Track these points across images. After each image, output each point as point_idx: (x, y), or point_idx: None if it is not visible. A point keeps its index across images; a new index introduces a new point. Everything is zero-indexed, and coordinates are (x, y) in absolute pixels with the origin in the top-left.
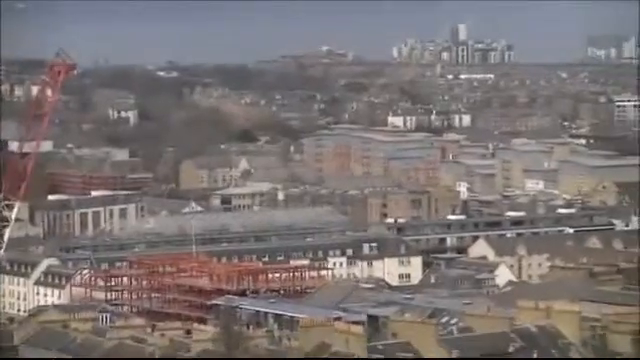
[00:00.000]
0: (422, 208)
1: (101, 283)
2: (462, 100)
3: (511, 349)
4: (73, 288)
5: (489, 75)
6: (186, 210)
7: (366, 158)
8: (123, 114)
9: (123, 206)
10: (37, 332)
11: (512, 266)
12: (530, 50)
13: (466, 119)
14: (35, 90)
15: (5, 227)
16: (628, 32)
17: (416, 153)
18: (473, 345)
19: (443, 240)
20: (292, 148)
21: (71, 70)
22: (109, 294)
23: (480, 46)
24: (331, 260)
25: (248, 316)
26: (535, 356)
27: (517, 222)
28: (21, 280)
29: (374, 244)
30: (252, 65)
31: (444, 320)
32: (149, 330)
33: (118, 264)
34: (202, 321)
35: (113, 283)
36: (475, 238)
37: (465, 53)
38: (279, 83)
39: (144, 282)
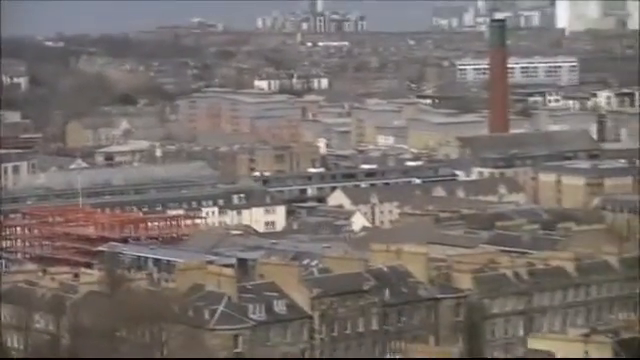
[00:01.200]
0: (285, 162)
1: None
2: (320, 65)
3: (365, 287)
4: None
5: (344, 43)
6: (73, 166)
7: (235, 118)
8: (15, 80)
9: (16, 163)
10: None
11: (366, 213)
12: (381, 20)
13: (324, 82)
14: None
15: None
16: (468, 4)
17: (279, 113)
18: (331, 284)
19: (304, 191)
20: (168, 109)
21: None
22: (4, 242)
23: (336, 17)
24: (204, 210)
25: (130, 261)
26: (387, 292)
27: (370, 174)
28: None
29: (242, 195)
30: (132, 35)
31: (306, 262)
32: (41, 274)
33: (12, 215)
34: (88, 266)
35: (7, 232)
36: (333, 189)
37: (322, 23)
38: (156, 51)
39: (35, 231)
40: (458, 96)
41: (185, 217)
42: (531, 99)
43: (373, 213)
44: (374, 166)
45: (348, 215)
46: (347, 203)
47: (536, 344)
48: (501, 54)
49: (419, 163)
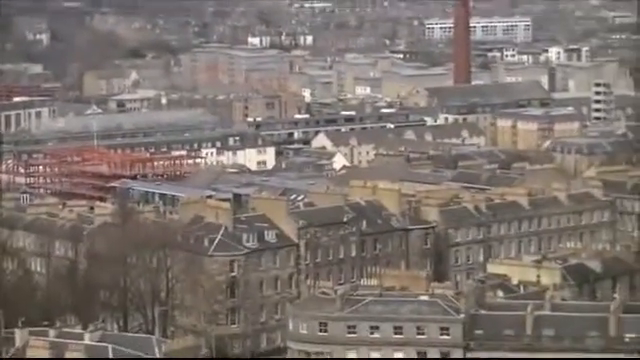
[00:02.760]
0: (275, 109)
1: (22, 170)
2: (306, 24)
3: (345, 219)
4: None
5: (327, 4)
6: (88, 112)
7: (230, 70)
8: (37, 36)
9: (38, 109)
10: None
11: (346, 154)
12: None
13: (309, 39)
14: None
15: None
16: None
17: (270, 66)
18: (315, 216)
19: (291, 134)
20: (172, 62)
21: None
22: (28, 179)
23: None
24: (203, 151)
25: (139, 195)
26: (364, 223)
27: (349, 119)
28: None
29: (237, 138)
30: None
31: (293, 197)
32: (60, 207)
33: (35, 155)
34: (102, 200)
35: (31, 170)
36: (317, 132)
37: None
38: (162, 11)
39: (55, 169)
40: (426, 51)
41: (187, 157)
42: (490, 54)
43: (352, 154)
44: (353, 113)
45: (330, 156)
46: (329, 145)
47: (494, 269)
48: (464, 14)
49: (392, 110)
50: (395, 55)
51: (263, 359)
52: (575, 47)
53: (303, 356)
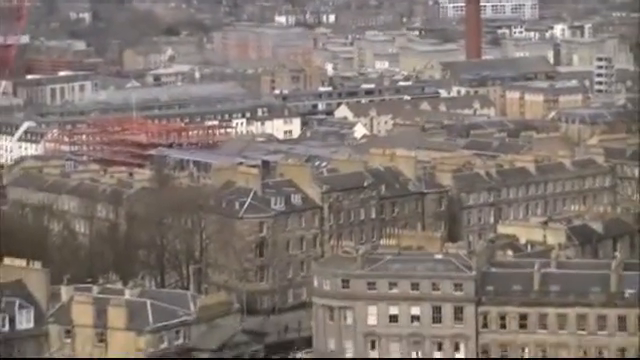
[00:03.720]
0: (300, 82)
1: (66, 139)
2: (328, 3)
3: (365, 184)
4: (46, 143)
5: None
6: (128, 85)
7: (259, 46)
8: (80, 15)
9: (81, 83)
10: (20, 175)
11: (366, 124)
12: None
13: (332, 17)
14: None
15: None
16: None
17: (295, 42)
18: (338, 181)
19: (315, 106)
20: (205, 40)
21: None
22: (72, 147)
23: None
24: (234, 121)
25: (174, 162)
26: (383, 188)
27: (369, 92)
28: (7, 137)
29: (265, 109)
30: None
31: (317, 164)
32: (102, 173)
33: (79, 125)
34: (141, 166)
35: (75, 139)
36: (339, 104)
37: None
38: None
39: (98, 138)
40: (440, 29)
41: (219, 127)
42: (499, 31)
43: (371, 124)
44: (372, 85)
45: (351, 125)
46: (350, 116)
47: (504, 230)
48: None
49: (409, 83)
50: (411, 32)
51: None
52: (579, 24)
53: (327, 310)
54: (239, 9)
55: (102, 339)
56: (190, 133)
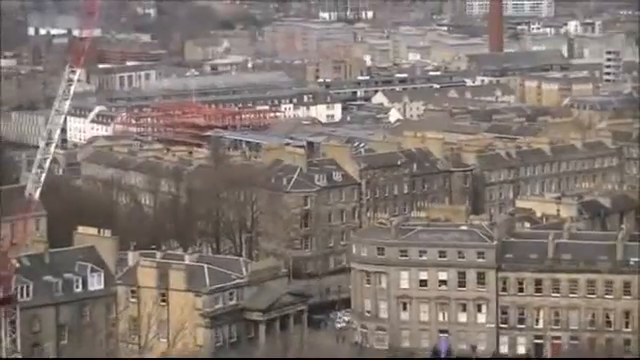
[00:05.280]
0: (341, 72)
1: (133, 121)
2: (367, 1)
3: (399, 162)
4: (115, 125)
5: None
6: (188, 74)
7: (305, 39)
8: (146, 11)
9: (147, 72)
10: (92, 153)
11: (399, 109)
12: None
13: (370, 14)
14: None
15: (70, 85)
16: None
17: (337, 36)
18: (374, 160)
19: (355, 93)
20: (257, 33)
21: None
22: (139, 128)
23: None
24: (282, 106)
25: (229, 142)
26: (414, 166)
27: (403, 80)
28: (81, 120)
29: (310, 95)
30: None
31: (355, 144)
32: (165, 152)
33: (144, 109)
34: (199, 146)
35: (141, 121)
36: (375, 91)
37: None
38: None
39: (161, 121)
40: (466, 25)
41: (269, 111)
42: (519, 27)
43: (404, 109)
44: (405, 75)
45: (386, 110)
46: (386, 102)
47: (522, 204)
48: None
49: (438, 73)
50: (441, 28)
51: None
52: (590, 21)
53: (364, 275)
54: (287, 5)
55: (164, 299)
56: (243, 116)
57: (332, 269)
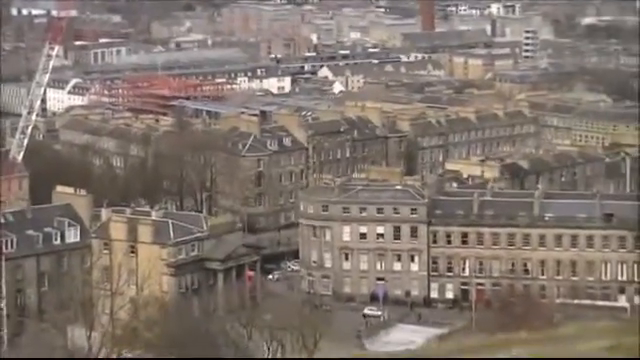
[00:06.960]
0: (290, 49)
1: (106, 92)
2: None
3: (341, 129)
4: (90, 95)
5: None
6: (155, 50)
7: (258, 20)
8: None
9: (118, 48)
10: (69, 121)
11: (342, 82)
12: None
13: None
14: None
15: (49, 60)
16: None
17: (287, 17)
18: (320, 127)
19: (303, 67)
20: (215, 14)
21: None
22: (111, 99)
23: None
24: (238, 79)
25: (191, 111)
26: (355, 132)
27: (345, 56)
28: (59, 91)
29: (263, 69)
30: None
31: (303, 113)
32: (134, 119)
33: (116, 81)
34: (165, 114)
35: (113, 92)
36: (321, 66)
37: None
38: None
39: (131, 92)
40: (402, 7)
41: (226, 83)
42: (448, 8)
43: (347, 82)
44: (348, 52)
45: (331, 83)
46: (330, 75)
47: (450, 166)
48: None
49: (376, 50)
50: (379, 10)
51: None
52: (511, 4)
53: (310, 229)
54: None
55: (133, 251)
56: (203, 88)
57: (282, 224)
